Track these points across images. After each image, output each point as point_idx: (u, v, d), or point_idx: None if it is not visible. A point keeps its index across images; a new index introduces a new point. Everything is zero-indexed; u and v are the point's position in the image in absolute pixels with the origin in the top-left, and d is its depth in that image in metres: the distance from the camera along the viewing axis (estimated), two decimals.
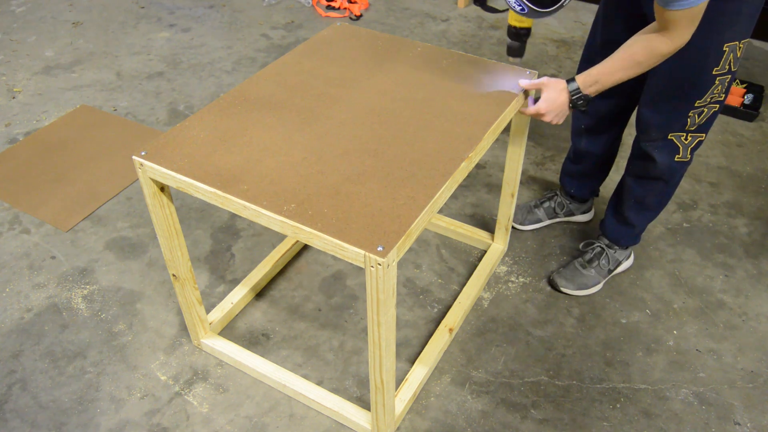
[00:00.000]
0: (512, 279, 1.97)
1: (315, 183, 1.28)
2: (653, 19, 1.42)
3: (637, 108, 1.68)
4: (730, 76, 1.50)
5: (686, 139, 1.62)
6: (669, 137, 1.62)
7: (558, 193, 2.13)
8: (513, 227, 2.07)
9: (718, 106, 1.56)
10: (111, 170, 2.38)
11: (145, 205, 1.43)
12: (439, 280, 1.97)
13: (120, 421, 1.60)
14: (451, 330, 1.77)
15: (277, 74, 1.61)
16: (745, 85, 2.75)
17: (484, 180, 2.35)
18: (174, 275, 1.57)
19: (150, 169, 1.34)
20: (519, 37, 1.60)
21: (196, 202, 2.24)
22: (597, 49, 1.73)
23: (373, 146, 1.37)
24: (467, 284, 1.90)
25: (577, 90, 1.51)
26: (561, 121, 1.57)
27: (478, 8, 3.56)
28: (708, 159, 2.45)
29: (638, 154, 1.72)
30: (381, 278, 1.14)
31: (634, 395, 1.67)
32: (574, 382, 1.70)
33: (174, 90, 2.85)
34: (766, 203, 2.26)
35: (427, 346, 1.72)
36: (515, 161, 1.81)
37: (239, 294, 1.86)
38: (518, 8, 1.35)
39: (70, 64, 3.04)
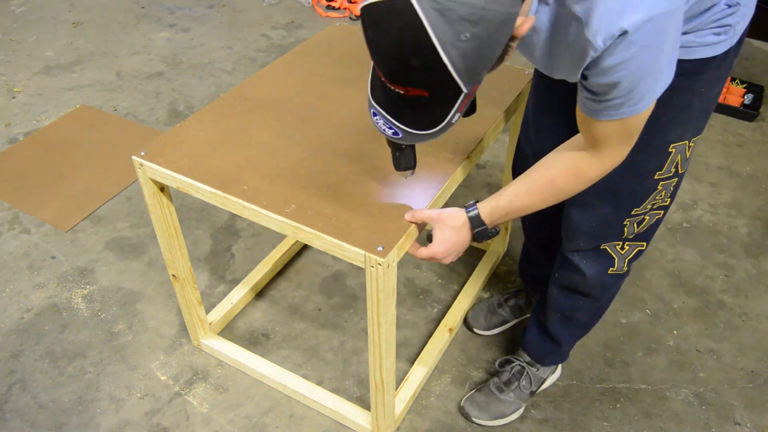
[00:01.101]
0: (512, 279, 1.97)
1: (315, 183, 1.27)
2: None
3: (565, 209, 1.34)
4: (677, 179, 1.21)
5: (622, 248, 1.32)
6: (602, 247, 1.32)
7: (523, 288, 1.84)
8: (474, 332, 1.80)
9: (662, 212, 1.27)
10: (111, 170, 2.38)
11: (145, 205, 1.43)
12: (439, 280, 1.97)
13: (120, 421, 1.60)
14: (451, 330, 1.77)
15: (277, 74, 1.61)
16: (745, 85, 2.75)
17: (484, 180, 2.35)
18: (174, 275, 1.57)
19: (150, 169, 1.34)
20: (401, 147, 1.17)
21: (196, 202, 2.24)
22: (531, 145, 1.45)
23: (373, 146, 1.37)
24: (467, 284, 1.90)
25: (483, 227, 1.18)
26: (456, 258, 1.24)
27: None
28: (708, 159, 2.45)
29: (564, 264, 1.40)
30: (381, 278, 1.14)
31: (634, 395, 1.67)
32: (574, 382, 1.70)
33: (174, 90, 2.85)
34: (766, 203, 2.26)
35: (427, 346, 1.72)
36: None
37: (239, 294, 1.86)
38: (390, 132, 0.99)
39: (70, 64, 3.04)
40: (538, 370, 1.62)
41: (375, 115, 1.00)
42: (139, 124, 2.63)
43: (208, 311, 1.84)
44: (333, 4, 3.51)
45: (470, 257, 2.04)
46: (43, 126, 2.61)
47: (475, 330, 1.80)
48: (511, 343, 1.78)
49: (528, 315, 1.80)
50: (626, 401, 1.66)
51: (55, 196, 2.27)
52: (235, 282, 1.96)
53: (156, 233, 1.49)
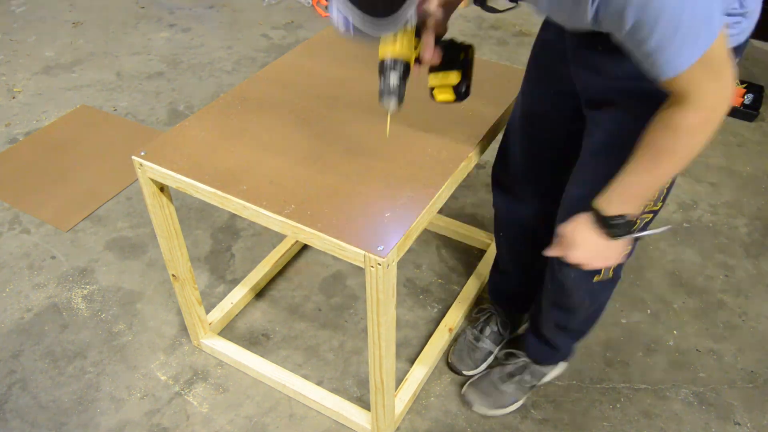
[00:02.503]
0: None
1: (315, 183, 1.27)
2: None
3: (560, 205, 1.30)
4: (670, 181, 1.13)
5: None
6: None
7: (492, 310, 1.77)
8: (464, 375, 1.69)
9: (651, 216, 1.19)
10: (111, 170, 2.38)
11: (145, 205, 1.43)
12: (439, 280, 1.97)
13: (120, 421, 1.60)
14: (451, 330, 1.77)
15: (277, 74, 1.61)
16: (745, 85, 2.75)
17: (484, 180, 2.35)
18: (174, 275, 1.57)
19: (150, 169, 1.34)
20: (384, 68, 1.09)
21: (196, 202, 2.24)
22: (515, 123, 1.39)
23: (373, 146, 1.37)
24: (467, 284, 1.90)
25: (599, 215, 1.09)
26: (621, 259, 1.18)
27: (478, 8, 3.56)
28: (708, 159, 2.45)
29: (552, 277, 1.37)
30: (381, 278, 1.14)
31: (634, 395, 1.67)
32: (574, 382, 1.70)
33: (174, 90, 2.85)
34: (766, 203, 2.26)
35: (427, 346, 1.72)
36: None
37: (239, 294, 1.86)
38: (342, 27, 0.94)
39: (70, 64, 3.04)
40: (540, 366, 1.61)
41: (330, 7, 0.95)
42: (139, 124, 2.63)
43: (208, 311, 1.84)
44: None
45: (470, 257, 2.04)
46: (43, 126, 2.61)
47: (464, 372, 1.69)
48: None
49: (506, 338, 1.76)
50: (626, 401, 1.66)
51: (55, 196, 2.27)
52: (235, 282, 1.96)
53: (156, 233, 1.49)
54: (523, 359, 1.63)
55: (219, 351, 1.72)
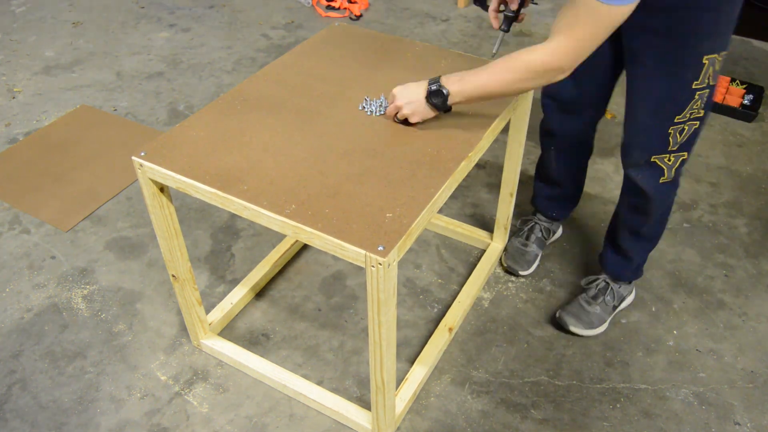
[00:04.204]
0: (512, 279, 1.97)
1: (315, 183, 1.28)
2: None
3: (623, 130, 1.59)
4: (708, 90, 1.43)
5: (669, 160, 1.53)
6: (652, 160, 1.54)
7: (535, 219, 2.02)
8: (519, 275, 1.96)
9: (698, 123, 1.48)
10: (111, 170, 2.38)
11: (145, 205, 1.44)
12: (439, 280, 1.97)
13: (120, 421, 1.60)
14: (450, 330, 1.77)
15: (277, 74, 1.61)
16: (744, 86, 2.75)
17: (484, 180, 2.35)
18: (174, 275, 1.57)
19: (150, 170, 1.34)
20: None
21: (196, 202, 2.24)
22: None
23: (373, 146, 1.37)
24: (467, 284, 1.90)
25: (436, 80, 1.35)
26: (419, 119, 1.40)
27: (478, 8, 3.56)
28: (708, 159, 2.46)
29: (626, 185, 1.65)
30: (381, 278, 1.14)
31: (634, 395, 1.67)
32: (574, 382, 1.70)
33: (174, 90, 2.85)
34: (766, 203, 2.26)
35: (427, 346, 1.72)
36: (514, 160, 1.81)
37: (239, 294, 1.86)
38: None
39: (70, 64, 3.04)
40: (619, 287, 1.82)
41: None
42: (139, 124, 2.63)
43: (208, 311, 1.84)
44: (333, 4, 3.51)
45: (470, 257, 2.04)
46: (43, 126, 2.61)
47: (521, 273, 1.96)
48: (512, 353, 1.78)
49: (548, 242, 2.05)
50: (626, 401, 1.66)
51: (55, 196, 2.27)
52: (235, 282, 1.96)
53: (156, 233, 1.49)
54: (603, 279, 1.83)
55: (219, 351, 1.72)
